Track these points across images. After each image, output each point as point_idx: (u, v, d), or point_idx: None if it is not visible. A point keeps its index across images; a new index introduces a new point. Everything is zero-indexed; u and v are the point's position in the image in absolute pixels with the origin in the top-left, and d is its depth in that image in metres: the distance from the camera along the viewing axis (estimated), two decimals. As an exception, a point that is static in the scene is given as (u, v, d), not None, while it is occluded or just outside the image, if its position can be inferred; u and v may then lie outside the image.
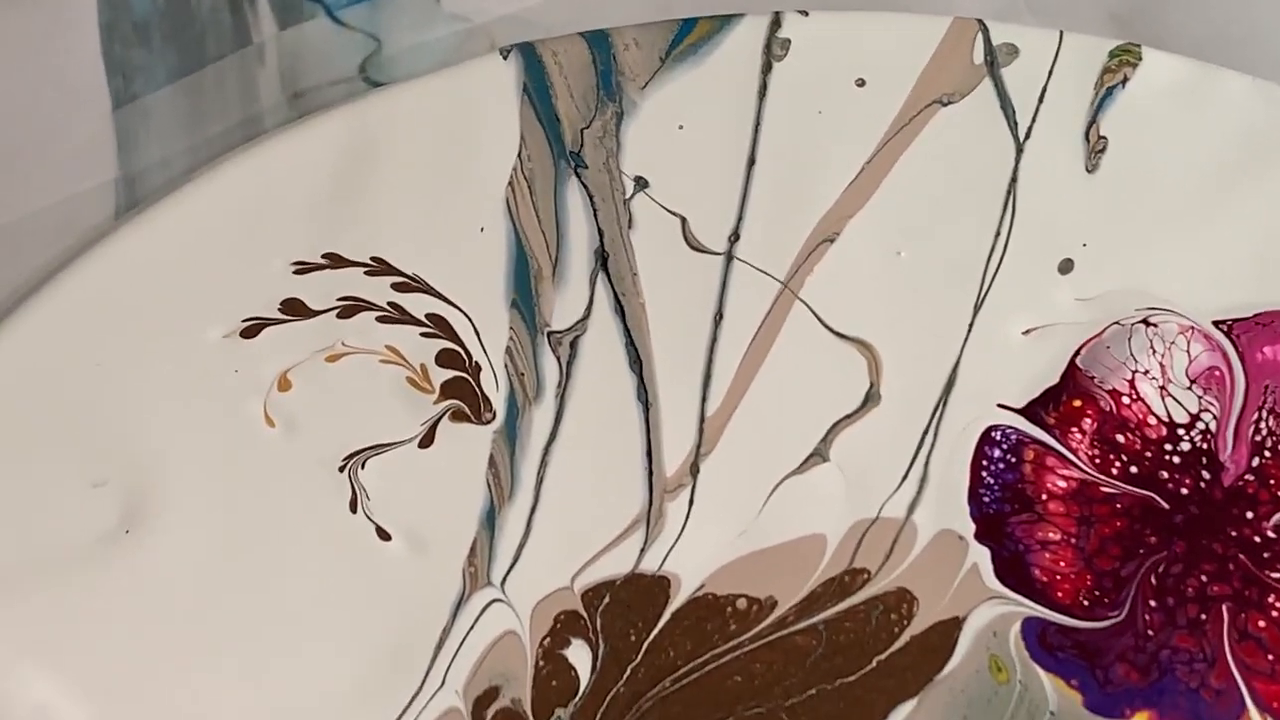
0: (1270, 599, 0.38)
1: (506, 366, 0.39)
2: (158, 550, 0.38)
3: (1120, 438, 0.39)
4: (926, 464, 0.39)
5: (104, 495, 0.38)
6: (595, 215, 0.39)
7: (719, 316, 0.39)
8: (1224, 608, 0.38)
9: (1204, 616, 0.38)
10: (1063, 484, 0.39)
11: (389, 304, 0.39)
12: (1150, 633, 0.38)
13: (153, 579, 0.37)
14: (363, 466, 0.38)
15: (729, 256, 0.40)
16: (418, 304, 0.39)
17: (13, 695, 0.36)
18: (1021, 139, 0.40)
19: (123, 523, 0.38)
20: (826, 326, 0.39)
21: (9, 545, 0.37)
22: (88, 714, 0.37)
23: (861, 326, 0.40)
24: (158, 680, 0.37)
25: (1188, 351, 0.40)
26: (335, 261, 0.39)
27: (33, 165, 0.40)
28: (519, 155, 0.39)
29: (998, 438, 0.39)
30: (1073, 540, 0.39)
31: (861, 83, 0.39)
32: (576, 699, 0.38)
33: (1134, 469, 0.39)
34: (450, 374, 0.39)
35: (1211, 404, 0.39)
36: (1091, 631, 0.38)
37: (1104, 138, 0.39)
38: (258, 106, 0.41)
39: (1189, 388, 0.39)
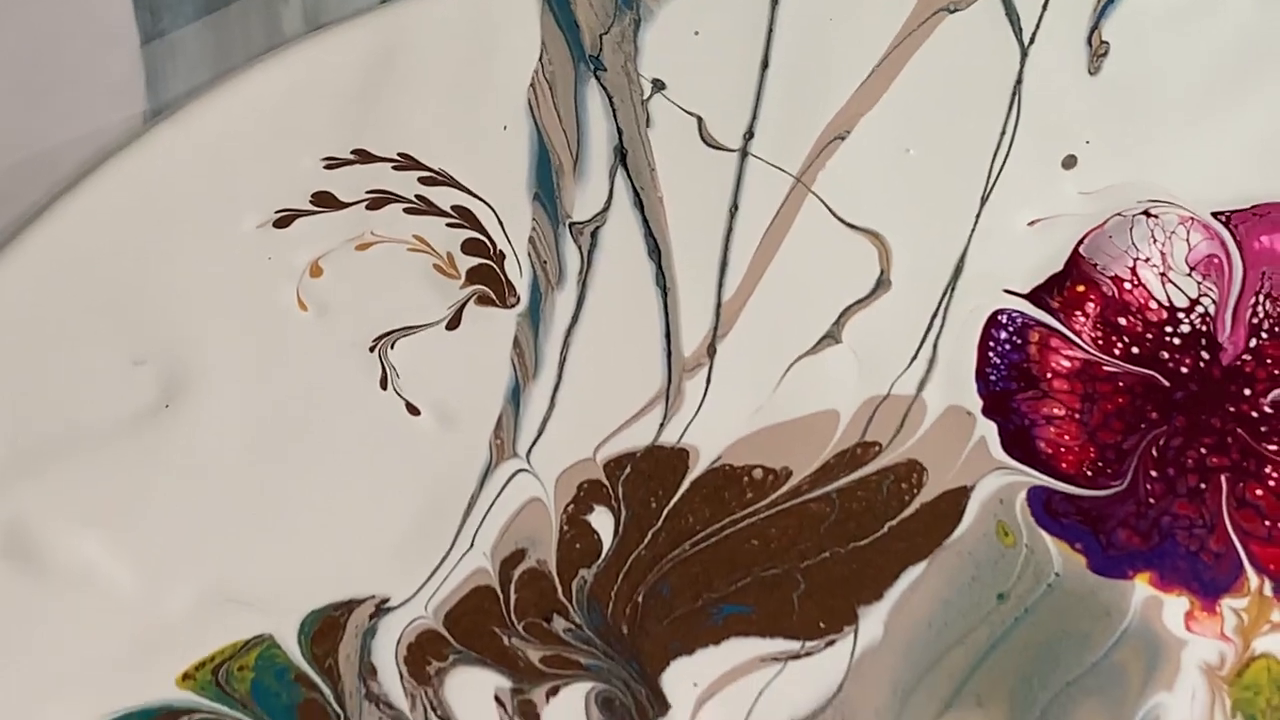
0: (1267, 469, 0.52)
1: (530, 254, 0.53)
2: (197, 423, 0.51)
3: (1122, 320, 0.53)
4: (935, 345, 0.53)
5: (144, 372, 0.51)
6: (614, 115, 0.54)
7: (734, 209, 0.54)
8: (1222, 478, 0.52)
9: (1203, 486, 0.52)
10: (1067, 363, 0.53)
11: (416, 196, 0.53)
12: (1151, 500, 0.52)
13: (193, 450, 0.51)
14: (392, 347, 0.52)
15: (743, 153, 0.54)
16: (444, 197, 0.54)
17: (62, 556, 0.50)
18: (1026, 44, 0.55)
19: (163, 398, 0.51)
20: (838, 218, 0.54)
21: (57, 417, 0.51)
22: (132, 571, 0.50)
23: (872, 218, 0.54)
24: (198, 542, 0.50)
25: (1187, 240, 0.54)
26: (363, 157, 0.53)
27: (63, 100, 0.55)
28: (540, 60, 0.54)
29: (1004, 321, 0.53)
30: (1076, 415, 0.53)
31: (869, -11, 0.53)
32: (599, 560, 0.51)
33: (1135, 349, 0.53)
34: (475, 261, 0.53)
35: (1210, 289, 0.53)
36: (1094, 499, 0.52)
37: (1105, 42, 0.54)
38: (282, 41, 0.56)
39: (1189, 274, 0.54)
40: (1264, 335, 0.49)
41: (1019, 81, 0.50)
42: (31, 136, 0.50)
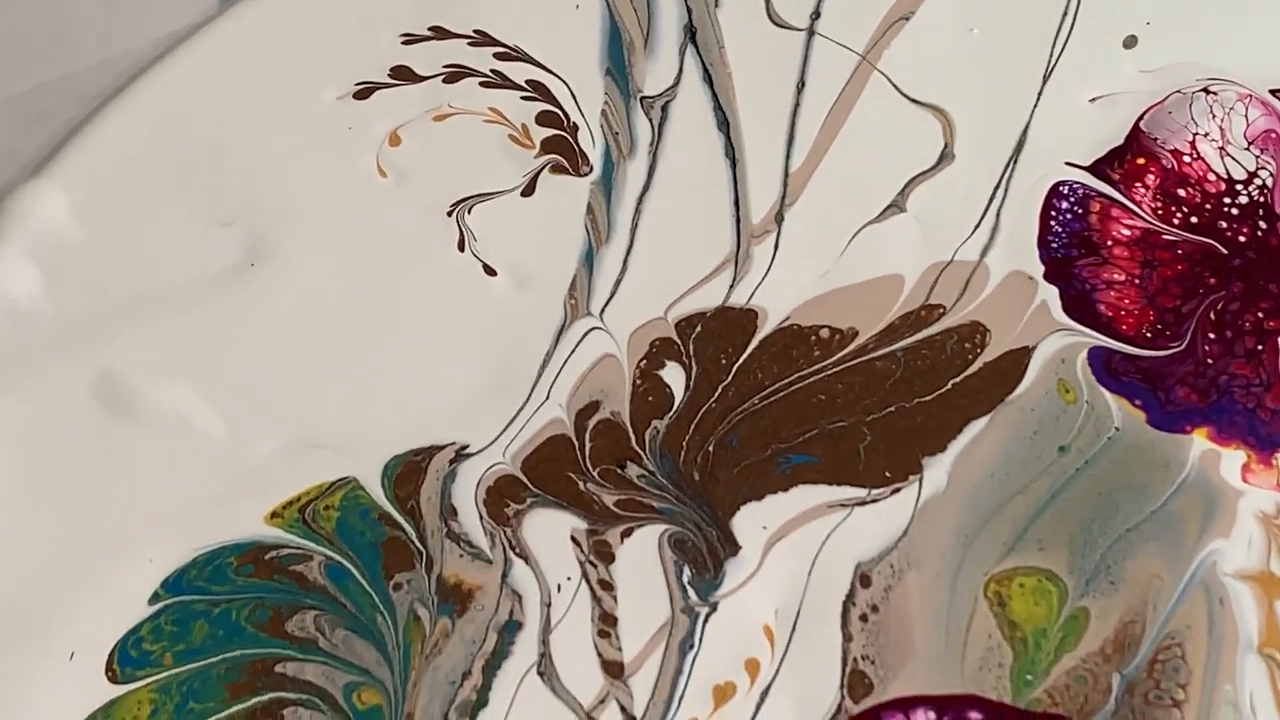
0: (1324, 331, 0.72)
1: (602, 126, 0.74)
2: (281, 282, 0.70)
3: (1181, 192, 0.74)
4: (998, 215, 0.73)
5: (230, 233, 0.71)
6: (684, -5, 0.74)
7: (801, 85, 0.75)
8: (1279, 340, 0.73)
9: (1260, 347, 0.72)
10: (1127, 232, 0.74)
11: (491, 71, 0.74)
12: (1209, 361, 0.72)
13: (277, 307, 0.70)
14: (469, 212, 0.73)
15: (810, 32, 0.75)
16: (518, 71, 0.74)
17: (154, 404, 0.70)
18: (1085, -72, 0.75)
19: (249, 256, 0.71)
20: (903, 94, 0.74)
21: (150, 274, 0.70)
22: (221, 419, 0.70)
23: (936, 94, 0.73)
24: (284, 392, 0.68)
25: (1245, 116, 0.75)
26: (440, 33, 0.74)
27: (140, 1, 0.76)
28: (613, -58, 0.74)
29: (1065, 191, 0.74)
30: (1136, 281, 0.73)
31: None
32: (671, 413, 0.71)
33: (1194, 219, 0.74)
34: (549, 132, 0.74)
35: (1268, 163, 0.74)
36: (1154, 359, 0.72)
37: (1163, -72, 0.73)
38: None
39: (1246, 148, 0.74)
40: (1321, 206, 0.69)
41: (1081, -35, 0.69)
42: (113, 36, 0.72)
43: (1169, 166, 0.64)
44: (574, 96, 0.67)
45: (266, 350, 0.65)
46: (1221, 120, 0.65)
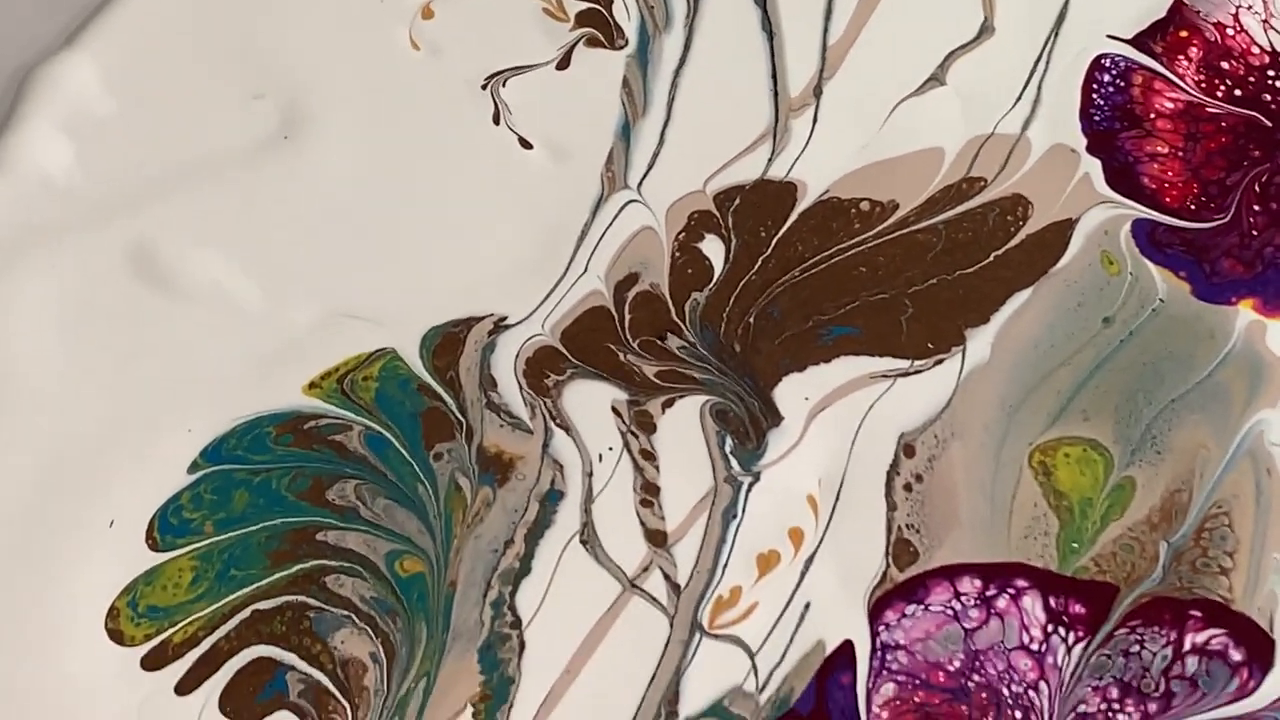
0: (1370, 201, 0.73)
1: (637, 0, 0.75)
2: (317, 154, 0.71)
3: (1225, 65, 0.75)
4: (1040, 87, 0.74)
5: (264, 106, 0.72)
6: None
7: None
8: None
9: None
10: (1170, 105, 0.75)
11: None
12: (1255, 233, 0.73)
13: (313, 178, 0.71)
14: (504, 85, 0.74)
15: None
16: None
17: (193, 273, 0.69)
18: None
19: (282, 129, 0.72)
20: None
21: (183, 146, 0.70)
22: (258, 289, 0.71)
23: None
24: (320, 264, 0.68)
25: None
26: None
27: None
28: None
29: (1107, 64, 0.75)
30: (1180, 153, 0.74)
31: None
32: (711, 285, 0.72)
33: (1238, 92, 0.75)
34: (584, 5, 0.74)
35: None
36: (1198, 231, 0.73)
37: None
38: None
39: None
40: (1365, 78, 0.70)
41: None
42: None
43: (1212, 39, 0.65)
44: (609, -31, 0.64)
45: (302, 222, 0.66)
46: (1264, -7, 0.65)
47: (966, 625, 0.58)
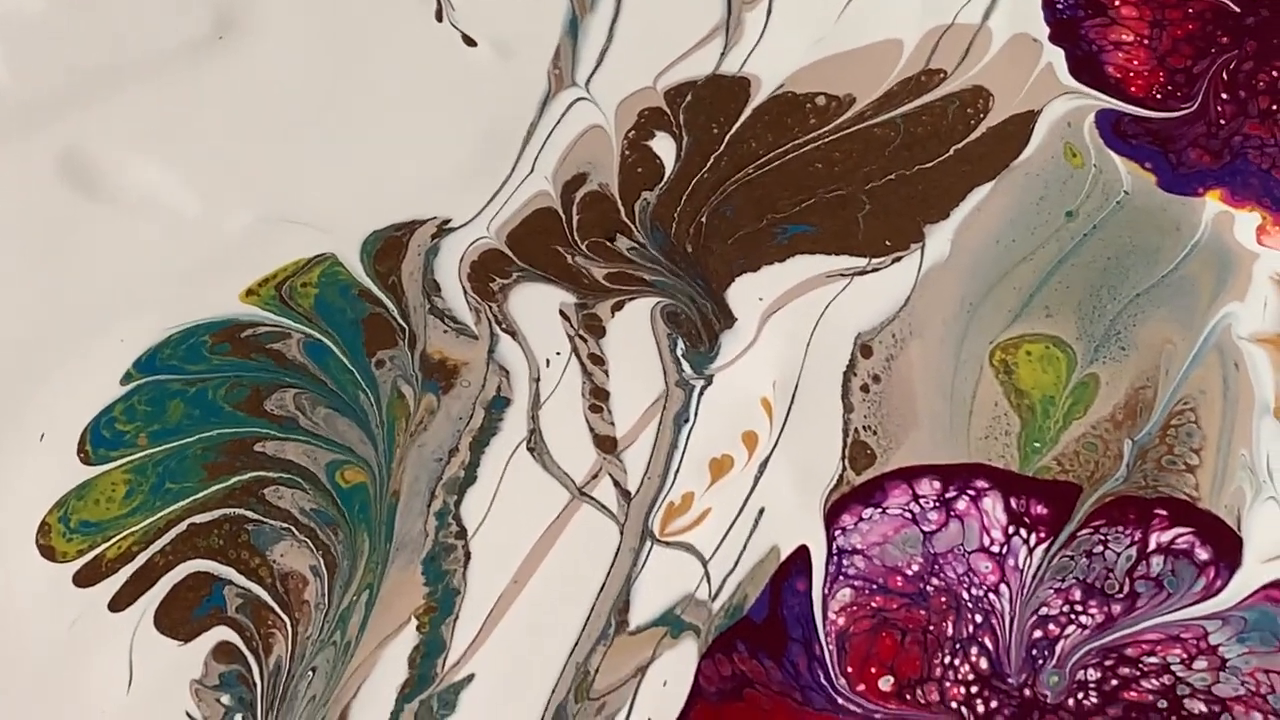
0: (1342, 89, 0.71)
1: None
2: (252, 55, 0.69)
3: None
4: None
5: (197, 5, 0.71)
6: None
7: None
8: None
9: (1275, 107, 0.71)
10: None
11: None
12: (1222, 122, 0.71)
13: (249, 79, 0.68)
14: None
15: None
16: None
17: (125, 178, 0.68)
18: None
19: (215, 30, 0.70)
20: None
21: (115, 48, 0.68)
22: (191, 194, 0.69)
23: None
24: (256, 166, 0.66)
25: None
26: None
27: None
28: None
29: None
30: (1145, 41, 0.72)
31: None
32: (662, 183, 0.70)
33: None
34: None
35: None
36: (1164, 120, 0.71)
37: None
38: None
39: None
40: (1337, -39, 0.68)
41: None
42: None
43: (1178, -77, 0.62)
44: None
45: (238, 124, 0.64)
46: (1232, -126, 0.63)
47: (925, 528, 0.56)
